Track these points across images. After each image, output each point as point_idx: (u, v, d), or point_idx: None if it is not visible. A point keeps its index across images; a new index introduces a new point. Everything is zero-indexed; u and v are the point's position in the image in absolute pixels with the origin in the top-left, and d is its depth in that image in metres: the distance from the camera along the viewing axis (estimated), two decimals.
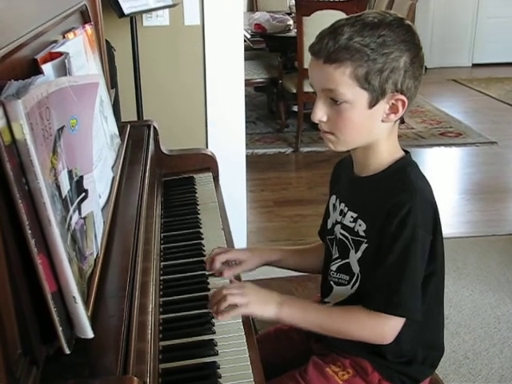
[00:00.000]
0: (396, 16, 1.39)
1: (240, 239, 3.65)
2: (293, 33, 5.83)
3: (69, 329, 1.00)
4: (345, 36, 1.33)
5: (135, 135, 2.08)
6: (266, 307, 1.47)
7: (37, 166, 0.90)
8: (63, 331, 0.97)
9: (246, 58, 4.04)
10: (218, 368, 1.29)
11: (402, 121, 6.17)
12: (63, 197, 1.04)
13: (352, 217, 1.50)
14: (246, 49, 4.23)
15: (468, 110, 6.97)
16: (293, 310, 1.48)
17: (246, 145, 3.66)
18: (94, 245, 1.22)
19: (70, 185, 1.09)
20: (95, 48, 1.76)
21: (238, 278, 1.66)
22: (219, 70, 3.35)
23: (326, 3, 5.26)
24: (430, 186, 1.47)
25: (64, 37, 1.53)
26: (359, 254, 1.47)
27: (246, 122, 3.62)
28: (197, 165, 2.33)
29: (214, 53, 3.32)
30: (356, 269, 1.49)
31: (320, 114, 1.41)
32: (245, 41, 4.47)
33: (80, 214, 1.14)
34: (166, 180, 2.24)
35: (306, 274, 1.94)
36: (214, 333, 1.40)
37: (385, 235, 1.39)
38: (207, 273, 1.65)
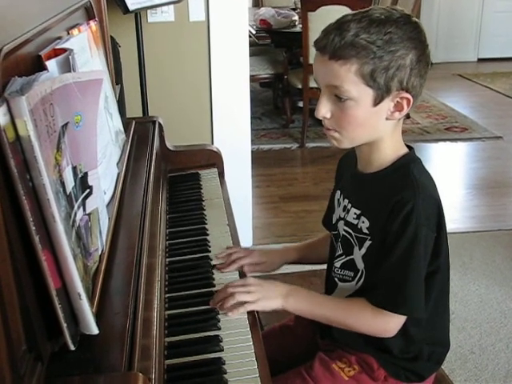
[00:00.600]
0: (403, 13, 1.38)
1: (246, 235, 3.65)
2: (298, 28, 5.81)
3: (74, 325, 1.00)
4: (351, 32, 1.32)
5: (140, 131, 2.08)
6: (273, 301, 1.47)
7: (41, 162, 0.90)
8: (68, 327, 0.97)
9: (251, 54, 4.04)
10: (224, 364, 1.29)
11: (407, 116, 6.20)
12: (68, 193, 1.04)
13: (355, 213, 1.50)
14: (251, 44, 4.23)
15: (474, 105, 6.94)
16: (298, 301, 1.49)
17: (252, 140, 3.66)
18: (99, 241, 1.22)
19: (75, 181, 1.09)
20: (100, 44, 1.76)
21: (244, 276, 1.66)
22: (224, 65, 3.35)
23: None
24: (433, 182, 1.47)
25: (68, 33, 1.53)
26: (363, 250, 1.47)
27: (252, 117, 3.62)
28: (202, 161, 2.33)
29: (218, 49, 3.31)
30: (360, 265, 1.49)
31: (324, 110, 1.40)
32: (250, 36, 4.47)
33: (85, 210, 1.14)
34: (172, 176, 2.24)
35: (311, 269, 1.94)
36: (219, 329, 1.40)
37: (388, 233, 1.39)
38: (216, 263, 1.66)
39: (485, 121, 6.24)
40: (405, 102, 1.38)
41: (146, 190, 1.66)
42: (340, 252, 1.55)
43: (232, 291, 1.46)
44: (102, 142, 1.46)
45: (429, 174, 1.47)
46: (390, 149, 1.46)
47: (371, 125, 1.41)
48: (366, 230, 1.46)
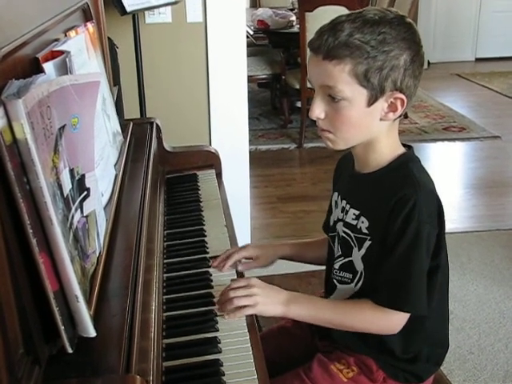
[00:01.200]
0: (397, 13, 1.38)
1: (244, 236, 3.64)
2: (295, 28, 5.82)
3: (71, 328, 1.00)
4: (345, 32, 1.32)
5: (138, 133, 2.08)
6: (273, 307, 1.47)
7: (38, 165, 0.90)
8: (65, 330, 0.97)
9: (249, 55, 4.04)
10: (222, 365, 1.29)
11: (405, 116, 6.22)
12: (65, 196, 1.04)
13: (354, 214, 1.49)
14: (249, 45, 4.23)
15: (471, 105, 6.95)
16: (300, 308, 1.48)
17: (250, 141, 3.66)
18: (97, 243, 1.22)
19: (72, 184, 1.09)
20: (97, 46, 1.76)
21: (241, 276, 1.66)
22: (222, 66, 3.35)
23: None
24: (432, 180, 1.47)
25: (66, 35, 1.53)
26: (363, 251, 1.47)
27: (250, 118, 3.62)
28: (200, 162, 2.33)
29: (216, 49, 3.31)
30: (359, 267, 1.48)
31: (318, 111, 1.40)
32: (247, 37, 4.47)
33: (82, 212, 1.14)
34: (169, 177, 2.24)
35: (309, 270, 1.94)
36: (217, 330, 1.40)
37: (390, 231, 1.38)
38: (211, 269, 1.65)
39: (483, 120, 6.25)
40: (399, 103, 1.38)
41: (144, 191, 1.66)
42: (339, 254, 1.55)
43: (232, 296, 1.46)
44: (100, 143, 1.45)
45: (427, 173, 1.47)
46: (387, 149, 1.46)
47: (365, 125, 1.41)
48: (365, 230, 1.46)
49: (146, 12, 3.20)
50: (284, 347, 1.72)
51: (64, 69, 1.29)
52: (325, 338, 1.60)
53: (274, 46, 6.35)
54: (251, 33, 5.94)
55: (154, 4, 2.98)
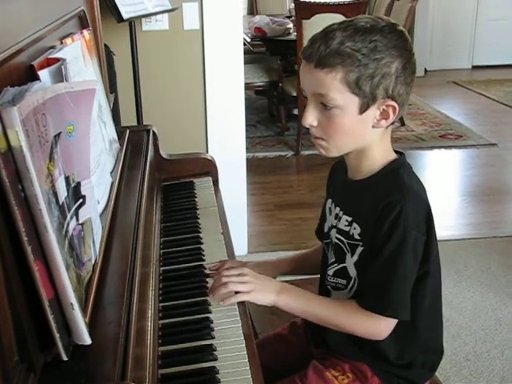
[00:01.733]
0: (389, 21, 1.38)
1: (241, 243, 3.65)
2: (293, 36, 5.83)
3: (66, 335, 1.00)
4: (336, 40, 1.33)
5: (134, 140, 2.08)
6: (266, 295, 1.48)
7: (33, 172, 0.90)
8: (61, 338, 0.97)
9: (246, 62, 4.04)
10: (218, 373, 1.29)
11: (402, 123, 6.24)
12: (60, 203, 1.04)
13: (347, 220, 1.50)
14: (246, 52, 4.23)
15: (468, 112, 6.96)
16: (291, 299, 1.49)
17: (247, 148, 3.66)
18: (92, 251, 1.22)
19: (67, 191, 1.09)
20: (93, 53, 1.76)
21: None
22: (219, 74, 3.36)
23: (325, 6, 5.26)
24: (423, 186, 1.47)
25: (62, 42, 1.53)
26: (355, 257, 1.47)
27: (247, 125, 3.62)
28: (196, 169, 2.33)
29: (213, 57, 3.32)
30: (353, 272, 1.49)
31: (310, 118, 1.41)
32: (245, 44, 4.47)
33: (78, 220, 1.13)
34: (166, 185, 2.24)
35: (306, 277, 1.94)
36: (213, 338, 1.39)
37: (377, 236, 1.39)
38: (206, 277, 1.65)
39: (479, 128, 6.26)
40: (391, 110, 1.38)
41: (140, 199, 1.66)
42: (332, 260, 1.55)
43: (226, 281, 1.46)
44: (96, 151, 1.45)
45: (418, 179, 1.48)
46: (379, 155, 1.47)
47: (358, 133, 1.41)
48: (357, 237, 1.47)
49: (143, 19, 3.21)
50: (280, 354, 1.72)
51: (59, 76, 1.29)
52: (320, 345, 1.61)
53: (271, 53, 6.36)
54: (248, 40, 5.95)
55: (150, 11, 2.99)
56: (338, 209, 1.55)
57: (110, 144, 1.73)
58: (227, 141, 3.46)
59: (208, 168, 2.33)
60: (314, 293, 1.56)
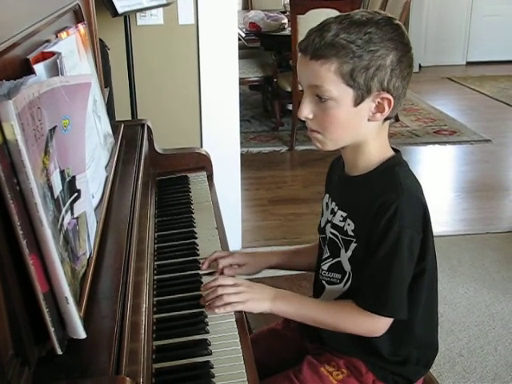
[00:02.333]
0: (385, 15, 1.38)
1: (235, 238, 3.65)
2: (287, 31, 5.83)
3: (61, 329, 1.00)
4: (331, 33, 1.33)
5: (129, 134, 2.08)
6: (261, 303, 1.48)
7: (28, 166, 0.90)
8: (55, 332, 0.97)
9: (241, 57, 4.04)
10: (212, 368, 1.29)
11: (396, 119, 6.23)
12: (55, 197, 1.03)
13: (342, 216, 1.50)
14: (241, 47, 4.23)
15: (462, 108, 6.97)
16: (286, 305, 1.49)
17: (241, 143, 3.66)
18: (87, 245, 1.22)
19: (63, 185, 1.09)
20: (88, 47, 1.76)
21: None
22: (213, 68, 3.35)
23: (320, 2, 5.25)
24: (419, 184, 1.47)
25: (57, 36, 1.53)
26: (349, 252, 1.47)
27: (241, 120, 3.62)
28: (191, 164, 2.33)
29: (208, 52, 3.31)
30: (347, 267, 1.49)
31: (306, 111, 1.41)
32: (239, 39, 4.47)
33: (72, 214, 1.13)
34: (160, 179, 2.24)
35: (300, 273, 1.94)
36: (207, 332, 1.40)
37: (373, 235, 1.39)
38: (201, 272, 1.65)
39: (473, 124, 6.27)
40: (386, 103, 1.38)
41: (135, 193, 1.66)
42: (327, 255, 1.55)
43: (221, 292, 1.46)
44: (91, 145, 1.45)
45: (414, 177, 1.47)
46: (376, 151, 1.46)
47: (353, 126, 1.41)
48: (351, 233, 1.46)
49: (138, 14, 3.20)
50: (274, 349, 1.72)
51: (55, 70, 1.29)
52: (315, 341, 1.61)
53: (265, 48, 6.36)
54: (243, 35, 5.95)
55: (145, 6, 2.98)
56: (334, 204, 1.55)
57: (105, 138, 1.73)
58: (222, 136, 3.46)
59: (202, 163, 2.33)
60: (308, 288, 1.57)
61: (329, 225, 1.55)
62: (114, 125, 1.96)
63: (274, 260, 1.80)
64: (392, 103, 1.37)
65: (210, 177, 2.29)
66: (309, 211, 4.12)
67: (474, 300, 3.23)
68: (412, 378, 1.56)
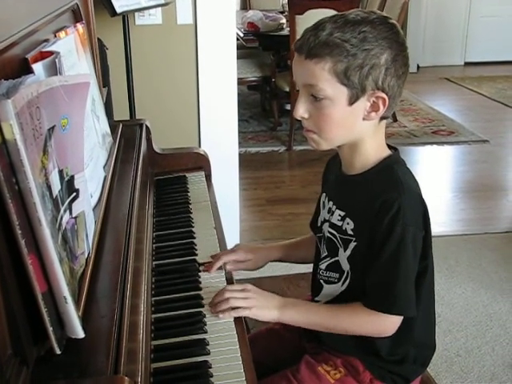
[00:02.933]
0: (380, 14, 1.38)
1: (233, 238, 3.64)
2: (286, 31, 5.83)
3: (59, 329, 1.00)
4: (326, 32, 1.33)
5: (127, 134, 2.08)
6: (268, 311, 1.48)
7: (27, 166, 0.90)
8: (54, 331, 0.97)
9: (239, 57, 4.04)
10: (210, 367, 1.29)
11: (394, 119, 6.23)
12: (54, 197, 1.03)
13: (340, 215, 1.50)
14: (239, 47, 4.23)
15: (460, 109, 6.98)
16: (294, 314, 1.49)
17: (239, 143, 3.66)
18: (86, 244, 1.22)
19: (61, 184, 1.09)
20: (87, 47, 1.76)
21: (230, 279, 1.65)
22: (212, 68, 3.35)
23: (318, 2, 5.24)
24: (417, 183, 1.47)
25: (55, 36, 1.53)
26: (348, 252, 1.47)
27: (239, 120, 3.62)
28: (189, 164, 2.33)
29: (206, 51, 3.31)
30: (346, 266, 1.49)
31: (301, 110, 1.41)
32: (238, 39, 4.47)
33: (71, 213, 1.13)
34: (159, 179, 2.24)
35: (299, 272, 1.95)
36: (205, 332, 1.40)
37: (376, 234, 1.39)
38: (199, 271, 1.65)
39: (471, 124, 6.28)
40: (381, 102, 1.37)
41: (133, 193, 1.66)
42: (325, 254, 1.55)
43: (228, 296, 1.46)
44: (89, 144, 1.45)
45: (412, 175, 1.48)
46: (373, 150, 1.46)
47: (348, 125, 1.41)
48: (350, 232, 1.47)
49: (136, 13, 3.20)
50: (272, 349, 1.72)
51: (53, 69, 1.29)
52: (312, 340, 1.61)
53: (264, 48, 6.35)
54: (241, 35, 5.95)
55: (143, 5, 2.97)
56: (331, 203, 1.55)
57: (103, 138, 1.73)
58: (220, 135, 3.45)
59: (201, 162, 2.33)
60: (306, 287, 1.57)
61: (326, 224, 1.55)
62: (113, 124, 1.96)
63: (276, 254, 1.80)
64: (387, 102, 1.37)
65: (208, 177, 2.29)
66: (307, 211, 4.07)
67: (471, 300, 3.23)
68: (409, 376, 1.56)
